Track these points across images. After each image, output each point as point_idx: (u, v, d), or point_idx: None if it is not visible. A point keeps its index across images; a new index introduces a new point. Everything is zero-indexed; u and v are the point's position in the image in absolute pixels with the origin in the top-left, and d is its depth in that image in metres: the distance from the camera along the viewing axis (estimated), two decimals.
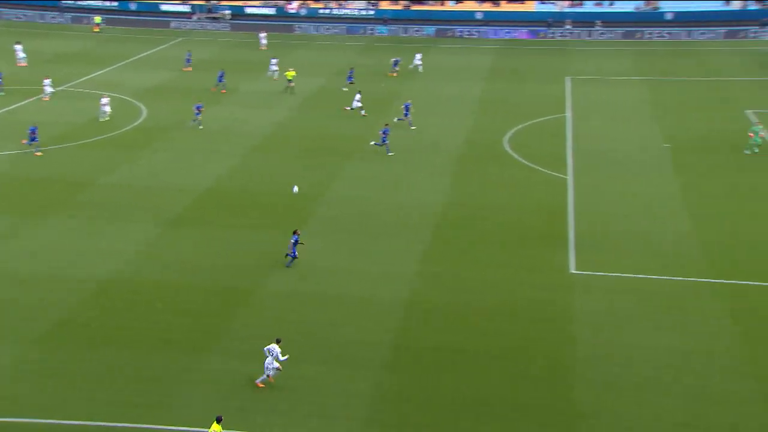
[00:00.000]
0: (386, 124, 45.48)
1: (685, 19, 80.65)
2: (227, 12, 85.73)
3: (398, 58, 64.78)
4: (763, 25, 77.05)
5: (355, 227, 35.08)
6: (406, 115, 49.18)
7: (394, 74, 63.06)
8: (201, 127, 48.29)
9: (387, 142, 44.06)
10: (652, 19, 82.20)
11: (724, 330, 26.48)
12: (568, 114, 52.57)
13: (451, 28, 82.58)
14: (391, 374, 24.43)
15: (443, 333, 26.76)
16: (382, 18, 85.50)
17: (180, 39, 78.25)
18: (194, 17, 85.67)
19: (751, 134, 44.38)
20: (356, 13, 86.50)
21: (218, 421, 20.46)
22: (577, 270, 30.63)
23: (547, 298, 28.83)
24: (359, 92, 52.89)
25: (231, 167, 42.16)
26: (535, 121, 50.63)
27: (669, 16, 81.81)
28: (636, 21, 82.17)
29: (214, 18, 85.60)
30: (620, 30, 79.79)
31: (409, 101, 51.05)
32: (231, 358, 25.08)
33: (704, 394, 23.21)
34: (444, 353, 25.56)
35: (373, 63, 67.95)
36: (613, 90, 58.93)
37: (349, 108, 52.24)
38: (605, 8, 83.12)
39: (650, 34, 78.79)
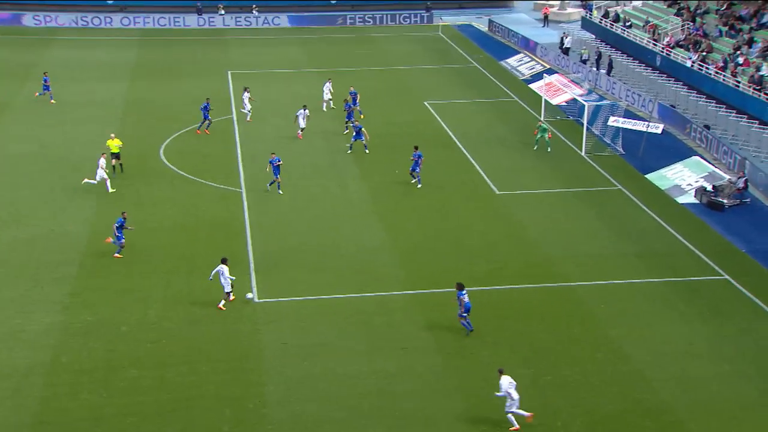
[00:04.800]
0: (273, 154, 41.36)
1: (355, 3, 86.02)
2: None
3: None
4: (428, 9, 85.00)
5: None
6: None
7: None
8: None
9: (278, 176, 40.55)
10: None
11: (424, 345, 28.38)
12: (234, 115, 53.22)
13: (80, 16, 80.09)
14: None
15: (87, 396, 25.62)
16: None
17: None
18: None
19: (536, 131, 47.34)
20: None
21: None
22: (261, 298, 31.09)
23: (229, 335, 28.80)
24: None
25: None
26: (196, 125, 50.31)
27: None
28: (301, 5, 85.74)
29: None
30: (283, 15, 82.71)
31: None
32: None
33: (413, 418, 24.57)
34: (85, 422, 24.35)
35: None
36: (284, 84, 60.80)
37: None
38: None
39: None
